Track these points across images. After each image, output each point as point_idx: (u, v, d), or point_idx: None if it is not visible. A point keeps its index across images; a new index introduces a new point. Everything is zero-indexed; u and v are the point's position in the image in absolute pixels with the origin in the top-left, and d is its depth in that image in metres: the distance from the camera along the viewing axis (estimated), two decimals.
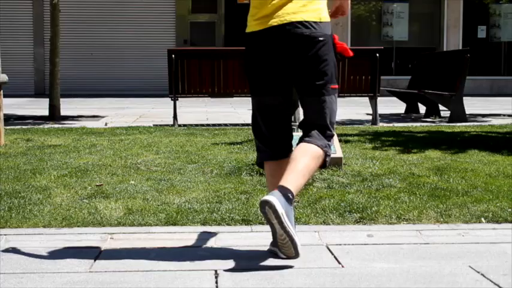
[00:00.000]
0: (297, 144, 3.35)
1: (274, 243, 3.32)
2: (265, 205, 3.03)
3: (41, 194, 4.60)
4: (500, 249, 3.45)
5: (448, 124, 10.07)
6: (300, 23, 3.21)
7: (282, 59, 3.26)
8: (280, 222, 3.03)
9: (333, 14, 3.45)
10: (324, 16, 3.29)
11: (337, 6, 3.44)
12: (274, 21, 3.23)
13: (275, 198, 3.04)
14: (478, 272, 3.06)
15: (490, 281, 2.94)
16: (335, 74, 3.31)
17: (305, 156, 3.23)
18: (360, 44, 18.94)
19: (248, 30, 3.34)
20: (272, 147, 3.43)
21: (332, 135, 3.38)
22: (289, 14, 3.22)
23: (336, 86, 3.34)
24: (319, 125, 3.33)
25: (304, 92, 3.32)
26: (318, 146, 3.28)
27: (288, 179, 3.14)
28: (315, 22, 3.23)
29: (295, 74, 3.28)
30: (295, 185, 3.14)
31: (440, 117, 11.41)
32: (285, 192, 3.10)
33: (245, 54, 3.40)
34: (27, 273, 3.06)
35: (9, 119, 10.71)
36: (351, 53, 3.39)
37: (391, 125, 9.91)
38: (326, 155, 3.29)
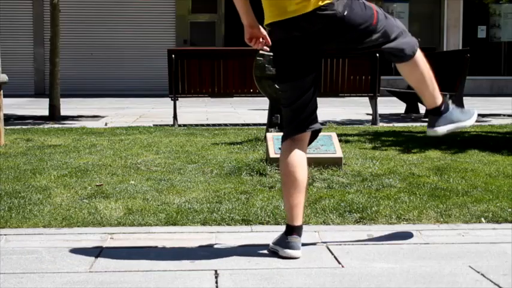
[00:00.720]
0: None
1: (276, 241, 3.35)
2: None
3: (41, 194, 4.60)
4: (500, 249, 3.45)
5: None
6: (319, 8, 3.23)
7: (313, 41, 3.29)
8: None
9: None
10: None
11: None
12: (291, 14, 3.26)
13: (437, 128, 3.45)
14: (478, 272, 3.06)
15: (490, 281, 2.94)
16: (369, 13, 3.29)
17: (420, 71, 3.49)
18: None
19: (266, 21, 3.39)
20: (300, 119, 3.43)
21: (403, 34, 3.43)
22: (307, 3, 3.23)
23: (375, 17, 3.31)
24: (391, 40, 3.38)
25: (359, 47, 3.43)
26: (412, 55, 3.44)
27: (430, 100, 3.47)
28: (328, 5, 3.24)
29: (340, 43, 3.37)
30: (437, 96, 3.52)
31: None
32: (438, 110, 3.49)
33: (272, 45, 3.43)
34: (27, 273, 3.06)
35: (9, 119, 10.71)
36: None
37: (391, 125, 9.90)
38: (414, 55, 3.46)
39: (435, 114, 3.52)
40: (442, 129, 3.49)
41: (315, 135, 3.49)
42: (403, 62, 3.45)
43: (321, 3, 3.22)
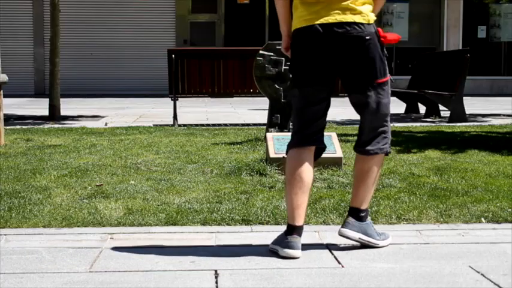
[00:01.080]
0: (358, 147, 3.50)
1: (276, 241, 3.36)
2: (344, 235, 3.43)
3: (41, 194, 4.60)
4: (500, 249, 3.45)
5: (448, 124, 10.07)
6: (348, 24, 3.32)
7: (331, 55, 3.34)
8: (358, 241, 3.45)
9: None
10: (372, 17, 3.39)
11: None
12: (325, 20, 3.31)
13: (357, 234, 3.42)
14: (478, 272, 3.06)
15: (490, 281, 2.94)
16: (383, 69, 3.40)
17: (372, 174, 3.45)
18: None
19: (298, 25, 3.39)
20: (307, 133, 3.45)
21: (387, 126, 3.51)
22: (340, 15, 3.32)
23: (384, 80, 3.42)
24: (376, 116, 3.44)
25: (352, 89, 3.42)
26: (379, 153, 3.46)
27: (361, 199, 3.46)
28: (362, 24, 3.34)
29: (343, 71, 3.39)
30: (367, 201, 3.49)
31: (440, 117, 11.41)
32: (361, 214, 3.45)
33: (294, 49, 3.45)
34: (27, 273, 3.06)
35: (9, 119, 10.71)
36: (397, 38, 3.50)
37: (391, 124, 9.89)
38: (386, 152, 3.50)
39: (355, 217, 3.45)
40: (354, 235, 3.42)
41: (318, 153, 3.53)
42: (369, 154, 3.45)
43: (356, 20, 3.32)
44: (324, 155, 5.38)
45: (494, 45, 22.20)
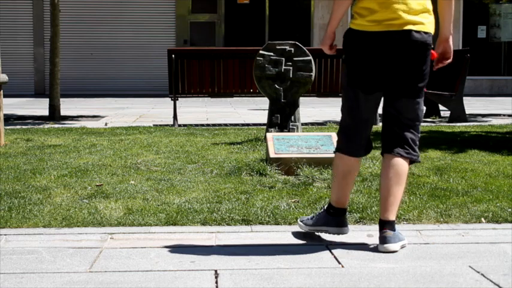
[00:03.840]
0: (386, 151, 3.56)
1: (321, 222, 3.64)
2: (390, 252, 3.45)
3: (41, 194, 4.60)
4: (500, 249, 3.45)
5: (448, 124, 10.07)
6: (417, 32, 3.44)
7: (392, 59, 3.45)
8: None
9: (438, 61, 3.68)
10: (433, 29, 3.52)
11: (441, 52, 3.65)
12: (394, 27, 3.42)
13: (395, 245, 3.43)
14: (478, 272, 3.06)
15: (490, 281, 2.94)
16: (427, 72, 3.58)
17: (400, 181, 3.50)
18: None
19: (361, 29, 3.47)
20: (356, 141, 3.59)
21: (419, 131, 3.60)
22: (409, 23, 3.43)
23: (425, 83, 3.62)
24: (413, 124, 3.55)
25: (402, 94, 3.51)
26: (407, 159, 3.53)
27: (391, 211, 3.50)
28: (426, 33, 3.47)
29: (399, 75, 3.48)
30: (395, 212, 3.54)
31: (440, 117, 11.41)
32: (393, 226, 3.49)
33: (353, 50, 3.51)
34: (27, 273, 3.06)
35: (9, 119, 10.71)
36: (436, 56, 3.64)
37: None
38: (413, 161, 3.57)
39: (391, 229, 3.46)
40: (395, 246, 3.42)
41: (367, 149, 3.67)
42: (401, 156, 3.50)
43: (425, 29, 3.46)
44: (324, 155, 5.43)
45: (494, 45, 22.19)
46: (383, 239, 3.43)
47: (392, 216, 3.48)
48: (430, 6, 3.51)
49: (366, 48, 3.47)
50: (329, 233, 3.64)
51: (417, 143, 3.57)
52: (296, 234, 3.73)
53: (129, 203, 4.37)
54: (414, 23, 3.43)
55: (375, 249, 3.43)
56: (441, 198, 4.47)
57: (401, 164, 3.50)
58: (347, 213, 3.78)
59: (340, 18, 3.58)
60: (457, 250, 3.44)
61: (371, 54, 3.46)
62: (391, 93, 3.53)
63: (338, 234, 3.64)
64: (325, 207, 3.71)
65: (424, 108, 11.75)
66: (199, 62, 10.09)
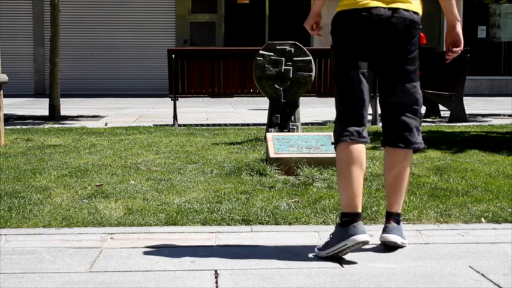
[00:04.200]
0: (388, 143, 3.46)
1: (336, 239, 3.25)
2: (390, 244, 3.40)
3: (41, 194, 4.60)
4: (500, 249, 3.45)
5: (448, 124, 10.07)
6: (406, 10, 3.34)
7: (380, 38, 3.33)
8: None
9: (448, 51, 3.54)
10: (421, 10, 3.43)
11: (450, 41, 3.53)
12: (379, 3, 3.31)
13: (398, 237, 3.39)
14: (478, 272, 3.06)
15: (490, 281, 2.94)
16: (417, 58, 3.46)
17: (405, 172, 3.43)
18: None
19: (348, 7, 3.35)
20: (355, 125, 3.34)
21: (421, 116, 3.50)
22: (397, 1, 3.33)
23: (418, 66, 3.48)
24: (413, 109, 3.43)
25: (396, 79, 3.39)
26: (411, 148, 3.43)
27: (398, 203, 3.45)
28: (415, 12, 3.37)
29: (388, 54, 3.36)
30: (401, 204, 3.48)
31: (440, 117, 11.41)
32: (398, 218, 3.45)
33: (341, 30, 3.39)
34: (27, 273, 3.06)
35: (9, 119, 10.71)
36: (424, 41, 3.52)
37: None
38: (417, 149, 3.45)
39: (396, 222, 3.44)
40: (395, 238, 3.37)
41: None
42: (405, 146, 3.41)
43: (415, 9, 3.36)
44: (324, 155, 5.43)
45: (494, 45, 22.20)
46: (385, 229, 3.42)
47: (398, 209, 3.46)
48: None
49: (351, 27, 3.33)
50: (348, 247, 3.19)
51: (420, 128, 3.46)
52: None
53: (129, 203, 4.37)
54: (402, 1, 3.33)
55: (375, 249, 3.43)
56: (441, 198, 4.47)
57: (404, 155, 3.42)
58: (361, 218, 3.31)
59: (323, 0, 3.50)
60: (457, 250, 3.44)
61: (357, 32, 3.32)
62: (384, 80, 3.42)
63: (359, 245, 3.21)
64: (337, 223, 3.37)
65: (424, 107, 11.77)
66: (199, 62, 10.09)
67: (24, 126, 9.48)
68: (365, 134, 3.35)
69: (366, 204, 4.24)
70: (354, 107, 3.34)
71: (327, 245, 3.28)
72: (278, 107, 6.89)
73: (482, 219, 4.03)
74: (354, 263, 3.22)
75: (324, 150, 5.49)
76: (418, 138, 3.44)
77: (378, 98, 3.51)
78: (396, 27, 3.32)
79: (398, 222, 3.46)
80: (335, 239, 3.25)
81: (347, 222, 3.23)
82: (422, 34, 3.47)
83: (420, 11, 3.42)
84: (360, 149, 3.29)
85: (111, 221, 3.97)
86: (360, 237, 3.18)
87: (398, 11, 3.31)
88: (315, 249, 3.36)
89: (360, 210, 3.26)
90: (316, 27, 3.60)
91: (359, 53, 3.34)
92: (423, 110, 11.85)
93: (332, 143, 3.47)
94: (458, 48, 3.50)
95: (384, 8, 3.31)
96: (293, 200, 4.42)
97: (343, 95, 3.37)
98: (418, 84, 3.46)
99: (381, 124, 3.87)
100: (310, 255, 3.32)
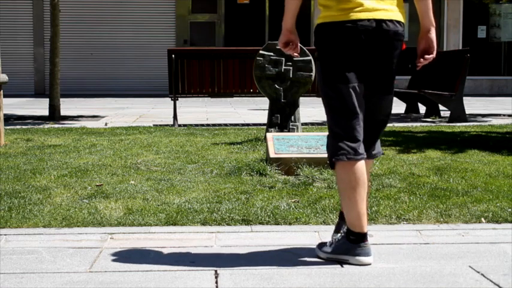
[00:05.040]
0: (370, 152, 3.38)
1: (339, 250, 3.22)
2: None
3: (41, 194, 4.60)
4: (500, 249, 3.45)
5: (448, 124, 10.07)
6: (389, 20, 3.20)
7: (363, 50, 3.19)
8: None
9: (420, 57, 3.36)
10: (404, 19, 3.28)
11: (423, 47, 3.35)
12: (364, 15, 3.17)
13: (370, 259, 3.21)
14: (478, 272, 3.06)
15: (490, 281, 2.94)
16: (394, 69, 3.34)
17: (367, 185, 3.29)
18: None
19: (330, 20, 3.21)
20: (351, 141, 3.19)
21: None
22: (378, 10, 3.18)
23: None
24: (385, 121, 3.37)
25: (377, 90, 3.27)
26: (376, 157, 3.41)
27: (366, 221, 3.24)
28: (398, 21, 3.23)
29: (372, 66, 3.23)
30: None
31: (440, 117, 11.41)
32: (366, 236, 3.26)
33: (325, 43, 3.24)
34: (27, 273, 3.06)
35: (9, 119, 10.71)
36: (404, 47, 3.41)
37: (391, 125, 9.90)
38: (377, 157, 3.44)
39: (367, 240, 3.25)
40: (370, 260, 3.21)
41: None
42: (376, 156, 3.38)
43: (398, 19, 3.23)
44: (324, 155, 5.42)
45: (494, 45, 22.20)
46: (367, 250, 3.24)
47: (365, 228, 3.24)
48: None
49: (337, 40, 3.19)
50: (350, 263, 3.18)
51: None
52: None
53: (129, 203, 4.37)
54: (384, 11, 3.18)
55: (375, 250, 3.43)
56: (441, 198, 4.47)
57: (370, 164, 3.39)
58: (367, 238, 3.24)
59: (294, 13, 3.28)
60: (457, 250, 3.44)
61: (343, 44, 3.18)
62: (368, 88, 3.26)
63: (361, 265, 3.17)
64: (344, 232, 3.28)
65: (424, 107, 11.77)
66: (199, 62, 10.09)
67: (24, 126, 9.48)
68: (361, 149, 3.18)
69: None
70: (346, 122, 3.18)
71: (331, 249, 3.27)
72: (278, 107, 6.89)
73: (482, 219, 4.03)
74: None
75: (324, 150, 5.47)
76: (380, 147, 3.43)
77: None
78: (381, 39, 3.19)
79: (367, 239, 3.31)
80: (340, 248, 3.23)
81: (354, 240, 3.20)
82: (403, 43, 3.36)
83: (403, 20, 3.28)
84: (361, 168, 3.16)
85: (111, 221, 3.97)
86: (364, 260, 3.18)
87: (383, 22, 3.18)
88: (316, 246, 3.37)
89: (365, 230, 3.20)
90: (292, 45, 3.35)
91: (347, 65, 3.20)
92: (423, 109, 11.91)
93: (327, 163, 3.36)
94: (430, 56, 3.32)
95: (369, 19, 3.17)
96: (293, 200, 4.42)
97: (334, 110, 3.21)
98: (393, 96, 3.36)
99: None
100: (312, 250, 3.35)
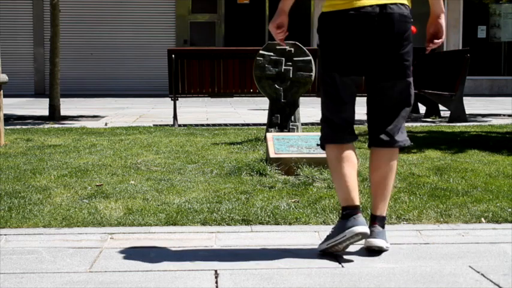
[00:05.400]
0: (373, 143, 3.40)
1: (335, 233, 3.27)
2: (375, 249, 3.30)
3: (41, 194, 4.60)
4: (500, 249, 3.45)
5: (448, 124, 10.07)
6: (394, 4, 3.24)
7: (369, 37, 3.23)
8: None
9: (429, 41, 3.45)
10: (409, 2, 3.34)
11: (432, 31, 3.45)
12: (367, 2, 3.22)
13: (383, 241, 3.30)
14: (478, 272, 3.06)
15: (490, 281, 2.94)
16: (410, 50, 3.35)
17: (391, 173, 3.38)
18: None
19: (333, 9, 3.27)
20: (341, 127, 3.37)
21: (407, 115, 3.44)
22: None
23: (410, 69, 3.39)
24: (403, 107, 3.36)
25: (389, 75, 3.29)
26: (397, 146, 3.38)
27: (383, 206, 3.38)
28: (402, 4, 3.28)
29: (380, 54, 3.25)
30: (386, 207, 3.42)
31: (440, 117, 11.41)
32: (383, 222, 3.38)
33: (327, 32, 3.30)
34: (27, 273, 3.06)
35: (9, 119, 10.71)
36: (415, 30, 3.45)
37: None
38: (403, 147, 3.41)
39: (381, 225, 3.36)
40: (381, 242, 3.30)
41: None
42: (391, 146, 3.36)
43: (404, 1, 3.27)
44: (323, 155, 5.39)
45: (494, 45, 22.20)
46: (371, 233, 3.31)
47: (383, 212, 3.39)
48: None
49: (340, 28, 3.23)
50: (349, 239, 3.20)
51: (404, 125, 3.41)
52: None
53: (129, 203, 4.37)
54: None
55: None
56: (441, 198, 4.47)
57: (392, 154, 3.37)
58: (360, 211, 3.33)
59: None
60: (457, 250, 3.44)
61: (346, 33, 3.23)
62: (375, 75, 3.31)
63: (359, 237, 3.22)
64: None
65: (424, 107, 11.77)
66: (199, 62, 10.09)
67: (24, 126, 9.48)
68: (350, 133, 3.35)
69: (366, 204, 4.24)
70: (338, 107, 3.35)
71: (328, 238, 3.31)
72: (278, 107, 6.89)
73: (482, 219, 4.03)
74: (353, 263, 3.21)
75: (324, 151, 5.48)
76: (403, 136, 3.39)
77: (366, 97, 3.42)
78: (386, 24, 3.22)
79: (383, 226, 3.39)
80: (335, 231, 3.28)
81: (347, 215, 3.26)
82: (413, 27, 3.37)
83: (409, 3, 3.32)
84: (349, 148, 3.33)
85: (111, 221, 3.97)
86: (358, 229, 3.20)
87: (387, 6, 3.22)
88: (318, 245, 3.39)
89: (357, 203, 3.29)
90: (283, 29, 3.42)
91: (347, 57, 3.27)
92: (423, 109, 11.91)
93: (317, 145, 3.49)
94: (439, 40, 3.43)
95: (372, 5, 3.21)
96: (293, 200, 4.42)
97: (329, 95, 3.36)
98: (411, 80, 3.36)
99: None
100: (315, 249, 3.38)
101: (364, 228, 3.21)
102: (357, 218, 3.24)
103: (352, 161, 3.32)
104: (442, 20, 3.45)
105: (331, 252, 3.28)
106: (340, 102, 3.34)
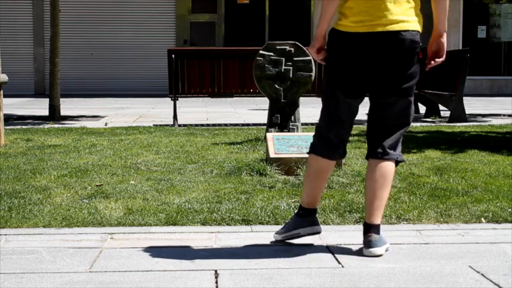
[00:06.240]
0: (370, 155, 3.45)
1: (295, 225, 3.52)
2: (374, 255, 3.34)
3: (41, 194, 4.60)
4: (500, 249, 3.45)
5: (448, 124, 10.07)
6: (405, 30, 3.33)
7: (378, 61, 3.32)
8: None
9: (430, 60, 3.50)
10: (420, 27, 3.42)
11: (434, 49, 3.49)
12: (380, 28, 3.30)
13: (382, 249, 3.34)
14: (478, 272, 3.06)
15: (490, 281, 2.94)
16: (415, 77, 3.44)
17: (386, 185, 3.40)
18: None
19: (345, 29, 3.35)
20: (333, 144, 3.47)
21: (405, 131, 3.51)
22: (394, 22, 3.31)
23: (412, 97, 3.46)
24: (402, 123, 3.43)
25: (392, 93, 3.37)
26: (394, 161, 3.44)
27: (377, 215, 3.39)
28: (414, 30, 3.37)
29: (387, 77, 3.34)
30: (381, 215, 3.44)
31: (440, 117, 11.41)
32: (378, 229, 3.38)
33: (336, 51, 3.39)
34: (27, 273, 3.06)
35: (9, 119, 10.71)
36: (421, 56, 3.50)
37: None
38: (398, 161, 3.46)
39: (376, 233, 3.36)
40: (380, 250, 3.33)
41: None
42: (389, 159, 3.41)
43: (405, 28, 3.34)
44: None
45: (494, 45, 22.20)
46: (368, 243, 3.33)
47: (378, 220, 3.38)
48: (416, 4, 3.41)
49: (349, 50, 3.33)
50: (301, 235, 3.52)
51: (401, 142, 3.47)
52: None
53: (129, 203, 4.37)
54: (400, 22, 3.30)
55: None
56: (441, 198, 4.47)
57: (387, 166, 3.40)
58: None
59: (330, 18, 3.41)
60: (457, 250, 3.44)
61: (355, 56, 3.32)
62: (379, 92, 3.39)
63: (311, 234, 3.53)
64: (295, 212, 3.63)
65: (424, 107, 11.77)
66: (199, 62, 10.09)
67: (24, 126, 9.48)
68: (339, 151, 3.47)
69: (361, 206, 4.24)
70: (334, 124, 3.44)
71: (284, 230, 3.57)
72: (278, 107, 6.89)
73: (482, 219, 4.03)
74: (353, 263, 3.22)
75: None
76: (397, 151, 3.45)
77: (368, 112, 3.49)
78: (396, 50, 3.30)
79: (378, 233, 3.37)
80: (291, 225, 3.55)
81: (302, 215, 3.53)
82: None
83: (420, 29, 3.40)
84: (330, 164, 3.48)
85: (111, 221, 3.97)
86: (313, 229, 3.53)
87: (398, 33, 3.30)
88: (274, 233, 3.63)
89: (315, 207, 3.55)
90: (322, 52, 3.50)
91: (353, 80, 3.36)
92: (423, 109, 11.91)
93: (306, 152, 3.61)
94: (440, 59, 3.47)
95: (382, 31, 3.29)
96: (293, 200, 4.42)
97: (328, 110, 3.46)
98: (412, 100, 3.44)
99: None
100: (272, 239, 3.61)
101: (317, 229, 3.54)
102: (315, 218, 3.55)
103: (329, 173, 3.52)
104: (444, 39, 3.49)
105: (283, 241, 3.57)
106: (338, 119, 3.43)
